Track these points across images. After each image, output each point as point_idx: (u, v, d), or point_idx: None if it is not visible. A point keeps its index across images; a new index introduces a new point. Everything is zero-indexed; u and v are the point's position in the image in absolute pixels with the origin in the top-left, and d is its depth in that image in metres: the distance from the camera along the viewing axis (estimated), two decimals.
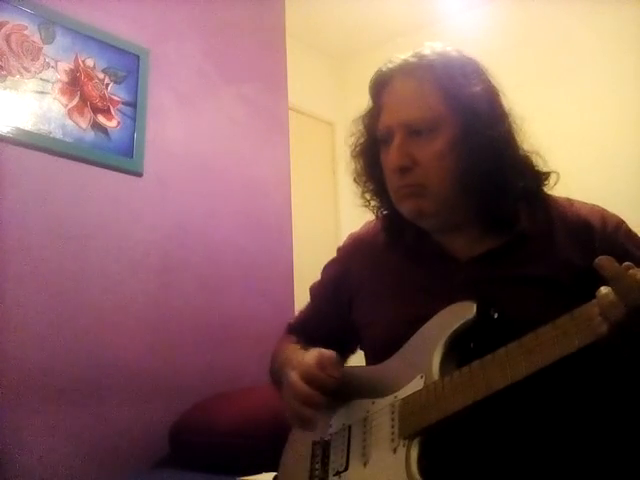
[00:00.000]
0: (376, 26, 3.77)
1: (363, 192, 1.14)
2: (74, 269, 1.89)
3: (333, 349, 1.16)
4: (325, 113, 4.05)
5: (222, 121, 2.44)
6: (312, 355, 0.96)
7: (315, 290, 1.24)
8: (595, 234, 0.95)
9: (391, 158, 0.99)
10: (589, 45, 3.16)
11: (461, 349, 0.88)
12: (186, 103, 2.33)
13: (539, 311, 0.79)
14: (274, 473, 1.51)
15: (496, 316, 0.88)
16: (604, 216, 0.98)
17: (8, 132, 1.80)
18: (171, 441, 1.92)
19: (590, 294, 0.73)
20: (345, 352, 1.20)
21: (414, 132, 0.98)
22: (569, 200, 1.04)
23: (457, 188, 0.98)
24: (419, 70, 1.02)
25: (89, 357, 1.86)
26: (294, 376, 0.94)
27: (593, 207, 1.01)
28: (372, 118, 1.08)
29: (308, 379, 0.92)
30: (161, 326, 2.06)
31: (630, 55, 3.03)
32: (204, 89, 2.41)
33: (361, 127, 1.13)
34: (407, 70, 1.03)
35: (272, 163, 2.59)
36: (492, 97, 1.02)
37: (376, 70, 1.08)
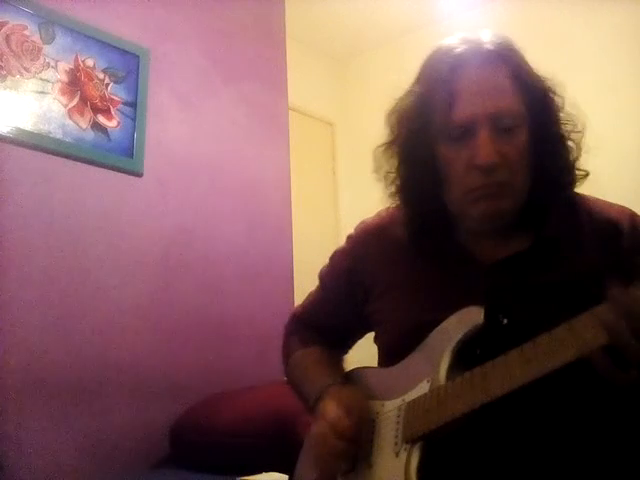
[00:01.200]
0: (376, 26, 3.77)
1: (396, 191, 1.03)
2: (74, 269, 1.89)
3: (341, 338, 1.18)
4: (325, 113, 4.05)
5: (222, 121, 2.44)
6: (337, 405, 0.92)
7: (326, 278, 1.18)
8: (622, 237, 0.92)
9: (482, 154, 0.89)
10: (589, 45, 3.16)
11: (469, 355, 0.87)
12: (186, 103, 2.33)
13: (553, 319, 0.77)
14: (274, 473, 1.52)
15: (505, 322, 0.86)
16: (634, 219, 0.95)
17: (8, 132, 1.80)
18: (171, 441, 1.92)
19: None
20: (352, 341, 1.20)
21: (500, 125, 0.90)
22: (597, 200, 1.00)
23: (528, 182, 0.94)
24: (497, 58, 0.93)
25: (89, 357, 1.86)
26: (323, 427, 0.91)
27: (623, 209, 0.97)
28: (430, 103, 0.94)
29: (337, 431, 0.90)
30: (161, 326, 2.06)
31: (629, 55, 3.03)
32: (204, 89, 2.41)
33: (403, 117, 1.00)
34: (485, 56, 0.93)
35: (272, 163, 2.59)
36: (554, 91, 0.98)
37: (441, 51, 0.97)
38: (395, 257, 1.05)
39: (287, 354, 1.20)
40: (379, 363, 1.08)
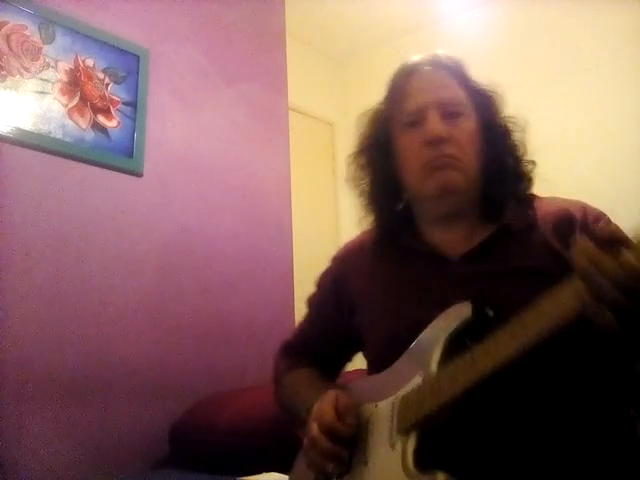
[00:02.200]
0: (376, 26, 3.77)
1: (365, 195, 1.15)
2: (74, 269, 1.89)
3: (332, 359, 1.20)
4: (325, 113, 4.05)
5: (222, 121, 2.44)
6: (329, 405, 0.95)
7: (314, 301, 1.24)
8: (576, 224, 0.97)
9: (430, 128, 1.02)
10: (589, 45, 3.16)
11: (459, 347, 0.88)
12: (186, 103, 2.33)
13: (531, 301, 0.80)
14: (274, 473, 1.52)
15: (491, 314, 0.89)
16: (585, 208, 1.01)
17: (8, 132, 1.80)
18: (171, 441, 1.92)
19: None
20: (343, 362, 1.23)
21: (447, 112, 1.03)
22: (552, 197, 1.08)
23: (478, 169, 1.04)
24: (444, 64, 1.10)
25: (89, 357, 1.86)
26: (315, 430, 0.93)
27: (576, 201, 1.04)
28: (389, 106, 1.11)
29: (329, 433, 0.92)
30: (161, 326, 2.06)
31: (630, 55, 3.03)
32: (204, 89, 2.41)
33: (367, 122, 1.15)
34: (434, 62, 1.10)
35: (272, 163, 2.59)
36: (497, 100, 1.10)
37: (401, 65, 1.13)
38: (373, 268, 1.12)
39: (277, 380, 1.22)
40: (368, 375, 1.09)
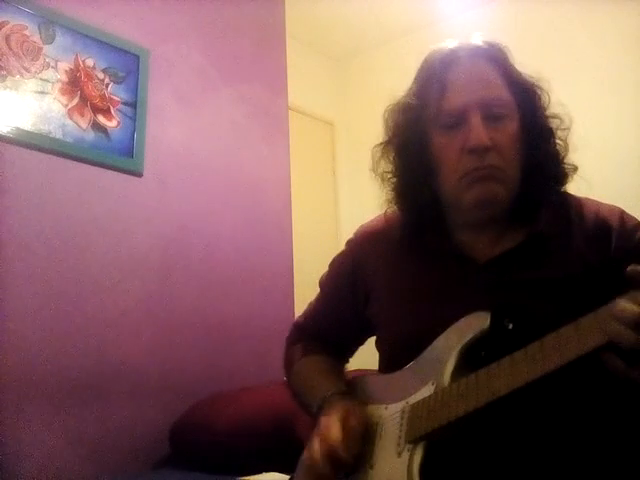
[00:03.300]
0: (376, 26, 3.77)
1: (392, 189, 1.06)
2: (74, 269, 1.89)
3: (343, 344, 1.17)
4: (325, 113, 4.05)
5: (222, 121, 2.44)
6: (337, 423, 0.90)
7: (326, 284, 1.19)
8: (612, 234, 0.93)
9: (474, 136, 0.93)
10: (589, 45, 3.16)
11: (474, 358, 0.87)
12: (186, 103, 2.33)
13: (555, 318, 0.77)
14: (274, 473, 1.52)
15: (511, 327, 0.87)
16: (623, 217, 0.96)
17: (8, 132, 1.80)
18: (171, 441, 1.92)
19: (606, 293, 0.72)
20: (354, 347, 1.20)
21: (490, 113, 0.95)
22: (588, 200, 1.02)
23: (519, 175, 0.96)
24: (486, 54, 1.00)
25: (89, 357, 1.86)
26: (317, 450, 0.89)
27: (612, 208, 0.99)
28: (424, 98, 1.00)
29: (330, 456, 0.88)
30: (161, 326, 2.06)
31: (630, 55, 3.03)
32: (204, 89, 2.41)
33: (398, 111, 1.05)
34: (475, 50, 1.00)
35: (272, 163, 2.59)
36: (540, 88, 1.02)
37: (434, 51, 1.03)
38: (394, 260, 1.06)
39: (289, 364, 1.19)
40: (380, 367, 1.08)
